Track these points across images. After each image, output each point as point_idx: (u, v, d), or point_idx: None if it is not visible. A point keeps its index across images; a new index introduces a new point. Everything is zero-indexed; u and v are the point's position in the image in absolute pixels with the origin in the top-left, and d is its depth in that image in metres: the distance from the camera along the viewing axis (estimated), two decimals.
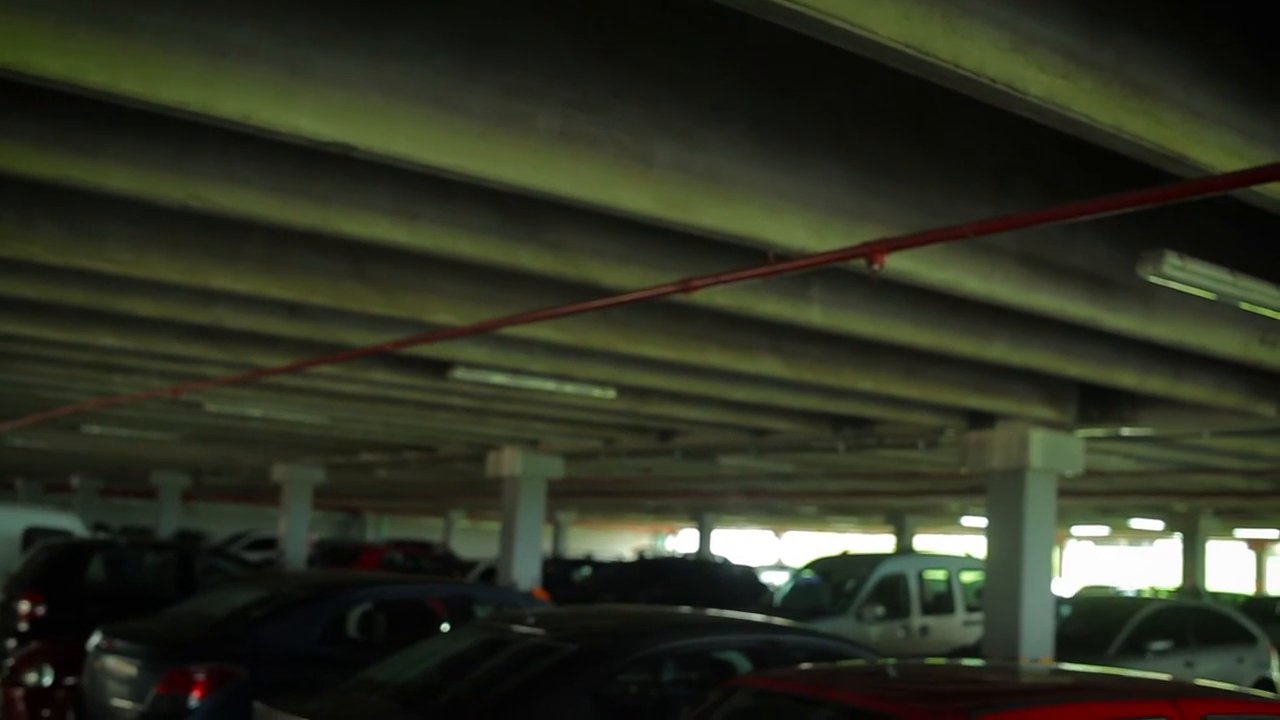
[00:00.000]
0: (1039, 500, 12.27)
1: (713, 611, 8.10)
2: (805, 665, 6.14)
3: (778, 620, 8.65)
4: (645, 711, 6.64)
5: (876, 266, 5.14)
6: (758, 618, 8.39)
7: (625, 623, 7.26)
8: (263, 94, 4.22)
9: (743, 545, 51.32)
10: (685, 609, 8.10)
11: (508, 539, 18.54)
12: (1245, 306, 6.38)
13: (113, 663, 8.44)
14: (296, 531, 24.35)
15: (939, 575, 19.04)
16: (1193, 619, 15.85)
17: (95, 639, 8.74)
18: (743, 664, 6.79)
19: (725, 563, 22.42)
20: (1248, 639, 16.15)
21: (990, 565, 12.57)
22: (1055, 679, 5.90)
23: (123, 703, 8.18)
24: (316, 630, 8.76)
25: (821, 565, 19.88)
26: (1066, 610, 15.42)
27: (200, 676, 7.93)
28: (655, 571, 21.57)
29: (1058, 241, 6.67)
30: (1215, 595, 24.45)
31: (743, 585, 20.60)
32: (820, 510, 34.96)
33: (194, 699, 7.86)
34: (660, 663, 6.83)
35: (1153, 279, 5.82)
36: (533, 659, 6.53)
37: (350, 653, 8.97)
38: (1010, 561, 12.13)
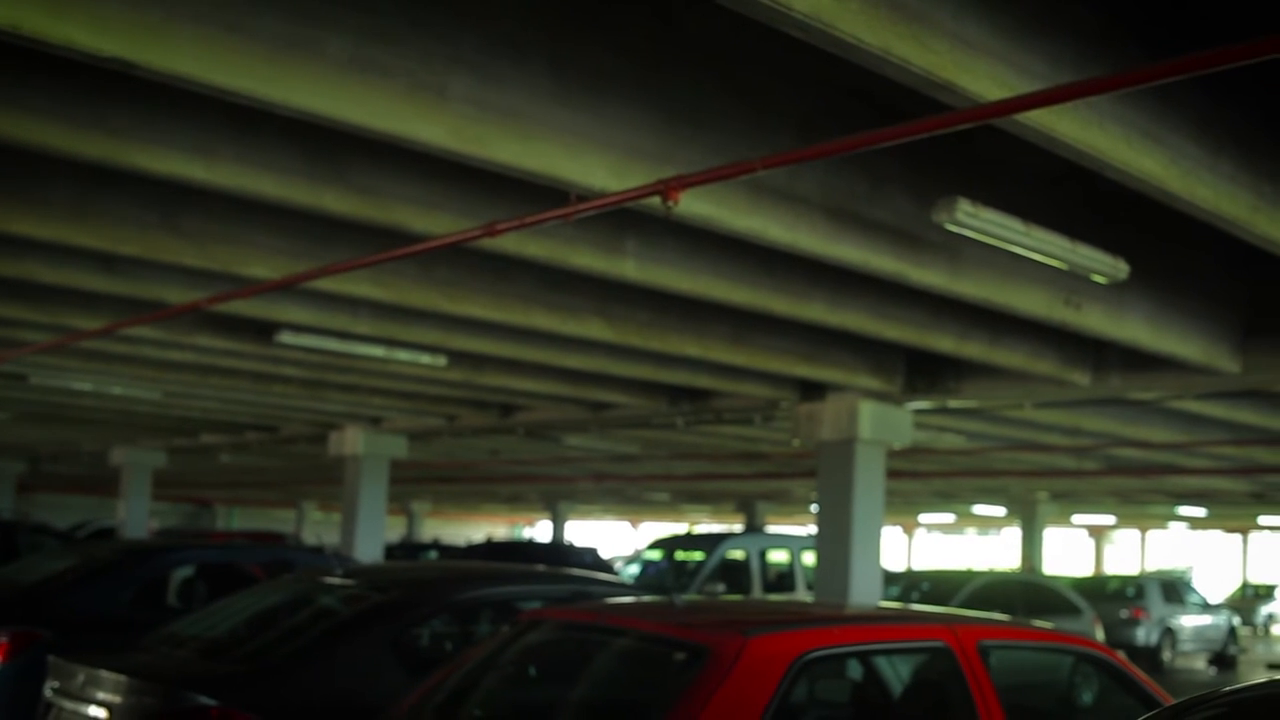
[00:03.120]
0: (868, 471, 12.52)
1: (525, 566, 8.11)
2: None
3: (588, 574, 8.68)
4: (450, 658, 6.62)
5: (671, 203, 5.18)
6: (570, 571, 8.42)
7: (434, 574, 7.25)
8: (32, 2, 4.11)
9: (599, 535, 51.56)
10: (499, 564, 8.10)
11: (349, 520, 18.37)
12: (1038, 258, 6.56)
13: None
14: (136, 519, 23.84)
15: (781, 555, 19.35)
16: (1021, 591, 16.44)
17: None
18: None
19: (571, 546, 22.48)
20: (1074, 610, 16.79)
21: (820, 534, 12.77)
22: (842, 610, 6.02)
23: None
24: (128, 593, 8.58)
25: (665, 545, 20.08)
26: (897, 587, 15.80)
27: (2, 640, 7.70)
28: (502, 554, 21.49)
29: (864, 196, 6.80)
30: (1052, 578, 25.22)
31: (588, 567, 20.66)
32: (672, 497, 35.23)
33: None
34: (467, 611, 6.81)
35: (946, 224, 5.98)
36: (339, 609, 6.51)
37: (167, 617, 8.78)
38: (840, 530, 12.34)
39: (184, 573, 9.84)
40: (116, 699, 5.70)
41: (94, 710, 5.75)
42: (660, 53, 5.69)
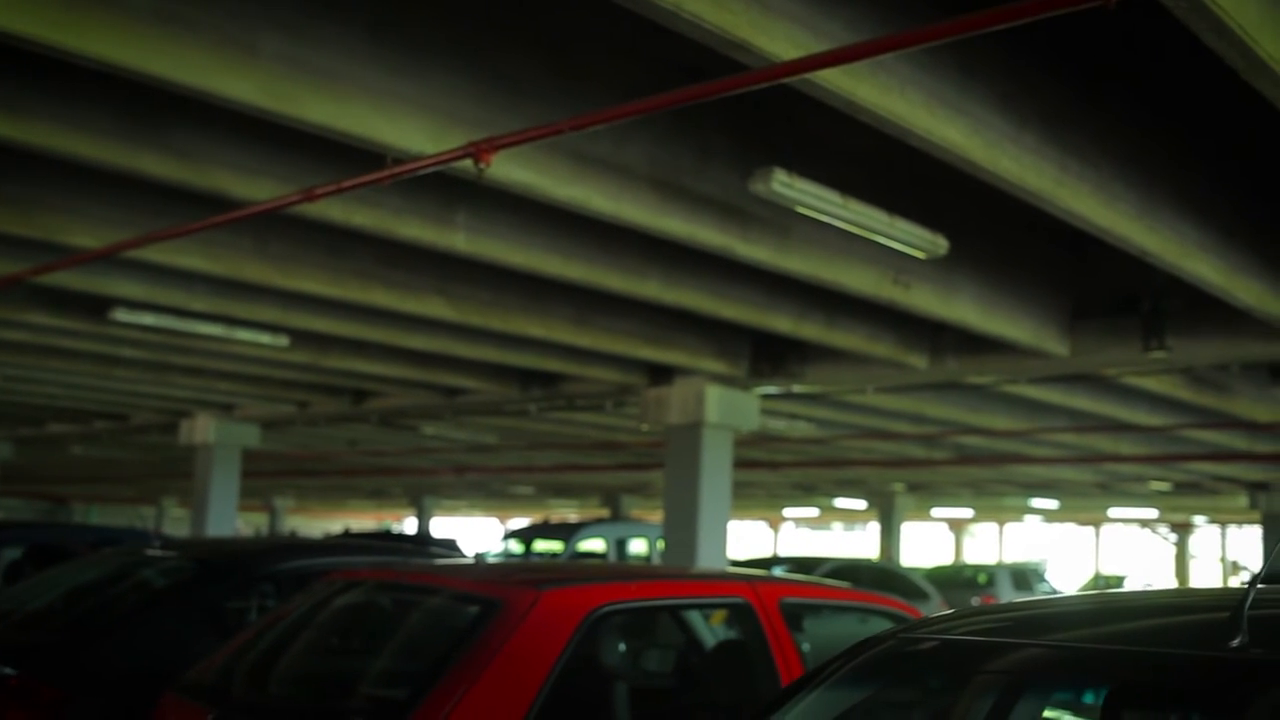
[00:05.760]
0: (715, 455, 12.66)
1: (356, 540, 8.06)
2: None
3: (418, 549, 8.64)
4: None
5: (483, 165, 5.17)
6: (397, 545, 8.38)
7: (254, 546, 7.17)
8: None
9: (467, 531, 51.33)
10: (326, 538, 8.04)
11: (200, 512, 18.06)
12: (857, 230, 6.69)
13: None
14: None
15: (638, 542, 19.51)
16: (870, 575, 16.82)
17: None
18: None
19: (429, 537, 22.40)
20: (922, 595, 17.22)
21: (668, 517, 12.88)
22: (645, 569, 6.07)
23: None
24: None
25: (523, 535, 20.12)
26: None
27: None
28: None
29: (691, 170, 6.86)
30: (905, 566, 25.76)
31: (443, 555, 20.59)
32: (537, 491, 35.17)
33: None
34: (287, 580, 6.74)
35: (763, 193, 6.06)
36: (156, 580, 6.42)
37: None
38: (687, 513, 12.47)
39: (11, 554, 9.62)
40: None
41: None
42: (483, 21, 5.69)
